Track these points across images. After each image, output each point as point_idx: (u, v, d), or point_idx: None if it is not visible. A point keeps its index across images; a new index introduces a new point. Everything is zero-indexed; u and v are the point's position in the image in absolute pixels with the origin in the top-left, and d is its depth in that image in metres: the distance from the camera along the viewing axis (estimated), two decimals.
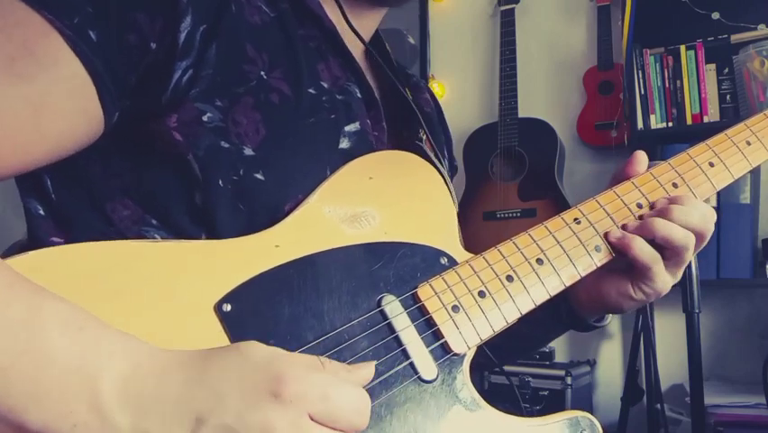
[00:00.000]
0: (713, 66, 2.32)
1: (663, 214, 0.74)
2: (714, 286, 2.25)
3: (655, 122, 2.36)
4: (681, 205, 0.74)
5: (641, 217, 0.76)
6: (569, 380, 2.20)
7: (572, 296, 0.83)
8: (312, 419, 0.48)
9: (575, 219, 0.75)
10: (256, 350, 0.50)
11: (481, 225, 2.50)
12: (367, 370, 0.56)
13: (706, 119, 2.29)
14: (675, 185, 0.79)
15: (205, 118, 0.62)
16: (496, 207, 2.50)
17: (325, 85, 0.71)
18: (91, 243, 0.56)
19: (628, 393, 2.11)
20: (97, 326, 0.49)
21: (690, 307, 1.78)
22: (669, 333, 2.29)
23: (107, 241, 0.57)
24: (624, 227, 0.75)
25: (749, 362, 2.12)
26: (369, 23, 0.82)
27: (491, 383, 2.22)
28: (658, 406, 1.94)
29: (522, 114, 2.55)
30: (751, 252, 2.19)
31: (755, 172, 2.24)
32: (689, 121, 2.31)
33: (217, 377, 0.48)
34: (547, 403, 2.20)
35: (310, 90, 0.69)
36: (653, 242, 0.74)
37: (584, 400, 2.34)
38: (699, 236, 0.75)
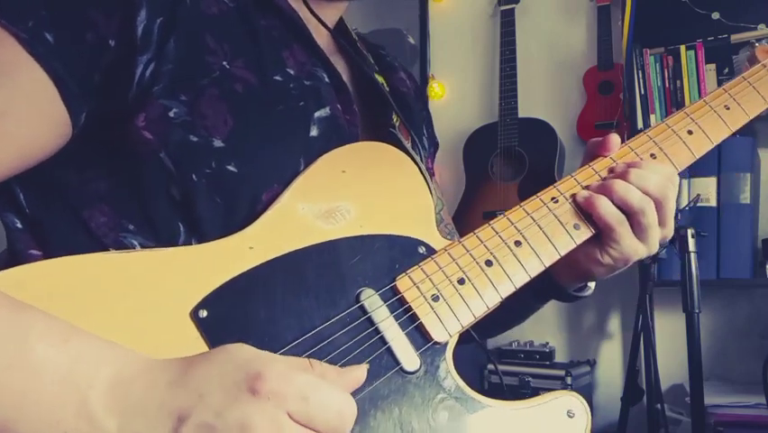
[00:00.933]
0: (713, 66, 2.32)
1: (622, 176, 0.73)
2: (714, 286, 2.25)
3: (655, 122, 2.35)
4: (638, 168, 0.74)
5: None
6: (569, 380, 2.20)
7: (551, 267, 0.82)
8: (291, 418, 0.47)
9: (553, 198, 0.74)
10: (241, 351, 0.50)
11: (482, 226, 2.50)
12: (358, 372, 0.55)
13: None
14: (653, 155, 0.78)
15: (171, 114, 0.62)
16: (496, 207, 2.50)
17: (292, 72, 0.70)
18: (68, 257, 0.56)
19: (628, 393, 2.11)
20: (82, 336, 0.49)
21: (690, 307, 1.79)
22: (669, 333, 2.28)
23: (84, 255, 0.57)
24: (587, 189, 0.75)
25: (749, 362, 2.11)
26: (332, 11, 0.81)
27: (491, 383, 2.23)
28: (658, 406, 1.94)
29: (522, 114, 2.55)
30: (751, 252, 2.19)
31: (755, 172, 2.24)
32: None
33: (199, 377, 0.48)
34: None
35: (276, 78, 0.69)
36: (614, 203, 0.73)
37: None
38: (657, 201, 0.73)
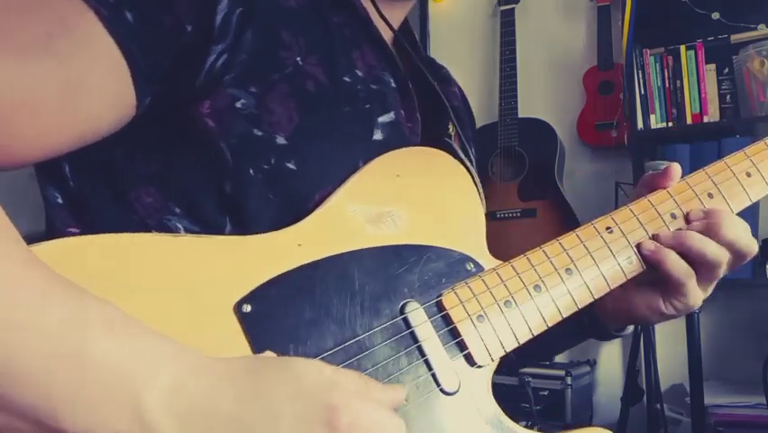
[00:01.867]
0: (713, 66, 2.32)
1: (699, 228, 0.72)
2: (714, 286, 2.24)
3: (655, 122, 2.36)
4: (717, 220, 0.72)
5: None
6: (569, 380, 2.20)
7: (597, 305, 0.79)
8: None
9: (607, 228, 0.72)
10: (309, 371, 0.49)
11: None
12: (400, 393, 0.55)
13: (706, 119, 2.29)
14: (711, 195, 0.76)
15: (238, 105, 0.61)
16: (496, 207, 2.50)
17: (360, 74, 0.70)
18: (109, 234, 0.54)
19: (628, 393, 2.11)
20: (142, 330, 0.47)
21: None
22: (669, 333, 2.28)
23: (126, 233, 0.55)
24: (655, 238, 0.73)
25: (749, 362, 2.11)
26: (398, 12, 0.80)
27: (491, 384, 2.22)
28: (658, 406, 1.94)
29: (522, 114, 2.55)
30: None
31: None
32: (689, 121, 2.31)
33: (270, 396, 0.47)
34: (547, 403, 2.20)
35: (345, 78, 0.68)
36: (686, 256, 0.71)
37: (584, 401, 2.34)
38: (735, 253, 0.72)
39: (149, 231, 0.60)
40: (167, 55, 0.57)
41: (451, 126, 0.81)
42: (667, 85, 2.36)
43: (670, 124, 2.34)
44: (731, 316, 2.32)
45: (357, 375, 0.52)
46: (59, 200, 0.61)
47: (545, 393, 2.21)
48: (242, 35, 0.60)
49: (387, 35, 0.78)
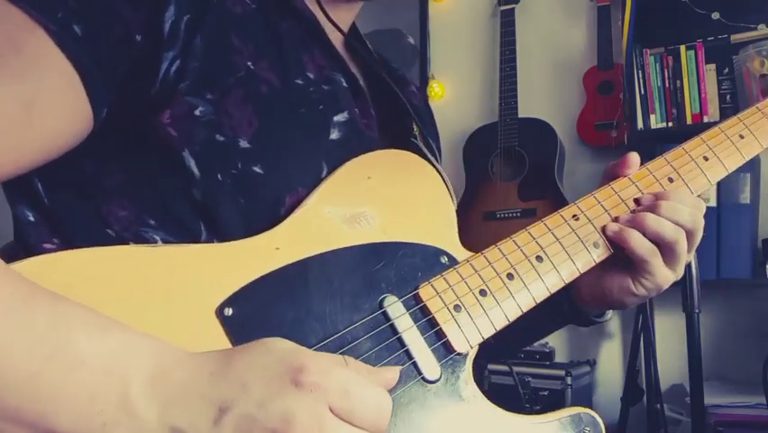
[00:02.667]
0: (713, 66, 2.32)
1: (652, 209, 0.74)
2: (714, 286, 2.25)
3: (655, 122, 2.36)
4: (668, 201, 0.74)
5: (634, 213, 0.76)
6: (569, 380, 2.20)
7: (574, 291, 0.82)
8: (332, 412, 0.47)
9: (573, 216, 0.75)
10: (280, 344, 0.50)
11: (481, 225, 2.50)
12: (391, 374, 0.55)
13: (706, 119, 2.29)
14: (671, 179, 0.79)
15: (197, 112, 0.62)
16: (496, 207, 2.50)
17: (311, 75, 0.71)
18: (89, 249, 0.55)
19: (628, 393, 2.11)
20: (120, 328, 0.49)
21: (690, 307, 1.78)
22: (669, 333, 2.28)
23: (105, 247, 0.56)
24: (616, 220, 0.76)
25: (749, 362, 2.11)
26: (346, 14, 0.81)
27: (492, 383, 2.22)
28: (658, 406, 1.94)
29: (522, 114, 2.55)
30: (751, 252, 2.19)
31: (755, 172, 2.24)
32: (689, 121, 2.31)
33: (241, 368, 0.48)
34: (547, 403, 2.20)
35: (297, 81, 0.69)
36: (645, 236, 0.74)
37: (584, 401, 2.34)
38: (689, 232, 0.75)
39: (126, 244, 0.61)
40: (118, 65, 0.58)
41: (414, 126, 0.83)
42: (667, 85, 2.36)
43: (670, 124, 2.34)
44: (731, 316, 2.32)
45: (338, 355, 0.53)
46: (31, 218, 0.62)
47: (545, 393, 2.21)
48: (192, 41, 0.61)
49: (336, 38, 0.79)
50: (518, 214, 2.47)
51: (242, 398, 0.46)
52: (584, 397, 2.34)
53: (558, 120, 2.59)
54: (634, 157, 0.80)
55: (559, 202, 2.43)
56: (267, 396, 0.46)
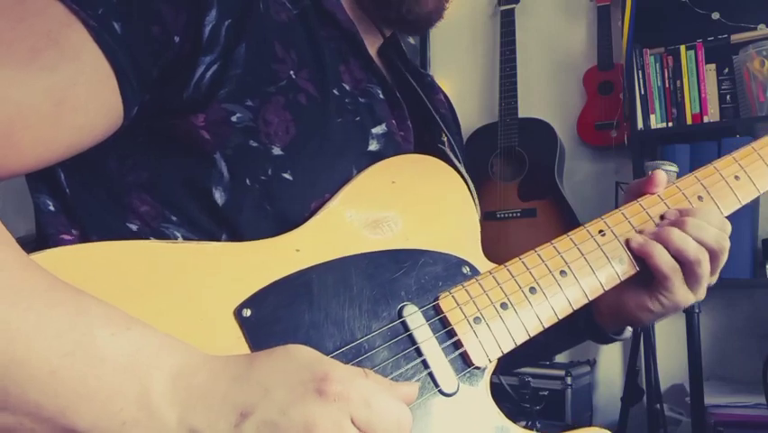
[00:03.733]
0: (713, 66, 2.32)
1: (678, 225, 0.73)
2: (714, 286, 2.23)
3: (655, 122, 2.35)
4: (694, 218, 0.73)
5: None
6: (569, 380, 2.20)
7: (593, 307, 0.81)
8: (353, 423, 0.47)
9: (600, 231, 0.74)
10: (303, 351, 0.50)
11: (481, 225, 2.50)
12: (411, 389, 0.54)
13: (706, 119, 2.29)
14: (701, 198, 0.78)
15: (234, 119, 0.61)
16: (496, 207, 2.50)
17: (347, 87, 0.71)
18: (107, 242, 0.54)
19: (628, 393, 2.11)
20: (142, 326, 0.48)
21: (690, 307, 1.78)
22: (669, 333, 2.28)
23: (124, 241, 0.56)
24: (641, 233, 0.74)
25: (749, 362, 2.11)
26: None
27: (492, 383, 2.22)
28: (658, 406, 1.94)
29: (522, 114, 2.55)
30: (751, 252, 2.19)
31: None
32: (689, 121, 2.31)
33: (264, 374, 0.48)
34: (547, 403, 2.20)
35: (334, 91, 0.68)
36: (669, 252, 0.72)
37: (584, 401, 2.34)
38: (713, 253, 0.73)
39: (146, 238, 0.61)
40: (154, 65, 0.58)
41: (443, 135, 0.82)
42: (667, 85, 2.36)
43: (670, 124, 2.34)
44: (731, 316, 2.32)
45: (359, 367, 0.52)
46: (51, 207, 0.62)
47: (545, 393, 2.21)
48: (236, 48, 0.61)
49: (372, 45, 0.79)
50: (518, 214, 2.47)
51: (264, 403, 0.46)
52: (584, 397, 2.34)
53: (558, 120, 2.59)
54: (660, 175, 0.78)
55: (559, 202, 2.43)
56: (289, 403, 0.46)
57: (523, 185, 2.50)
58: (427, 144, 0.80)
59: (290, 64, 0.65)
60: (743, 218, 2.19)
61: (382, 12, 0.77)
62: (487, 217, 2.51)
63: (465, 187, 0.75)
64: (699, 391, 1.73)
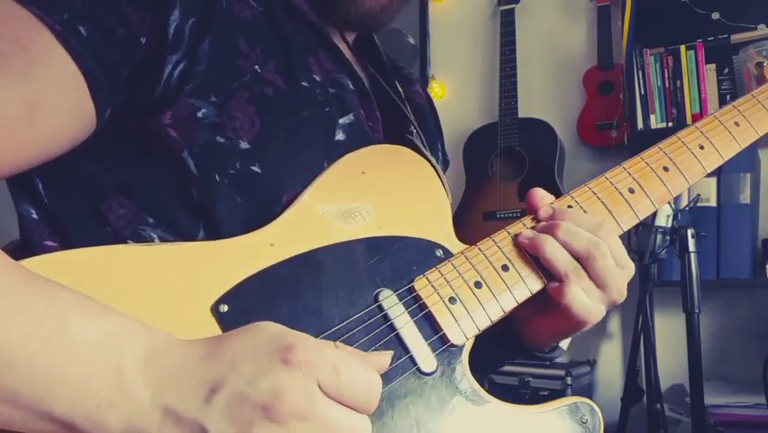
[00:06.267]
0: (713, 66, 2.32)
1: (549, 230, 0.69)
2: (714, 286, 2.25)
3: (655, 122, 2.36)
4: (563, 228, 0.68)
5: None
6: (569, 380, 2.20)
7: (521, 328, 0.76)
8: (321, 389, 0.48)
9: (568, 206, 0.75)
10: (271, 326, 0.51)
11: (481, 226, 2.50)
12: (383, 358, 0.55)
13: None
14: (666, 168, 0.78)
15: (199, 114, 0.62)
16: (496, 208, 2.50)
17: (318, 78, 0.72)
18: (87, 248, 0.56)
19: (628, 393, 2.10)
20: (114, 313, 0.50)
21: (690, 307, 1.79)
22: (669, 333, 2.28)
23: (103, 246, 0.57)
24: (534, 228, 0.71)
25: (749, 362, 2.11)
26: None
27: (492, 383, 2.22)
28: (658, 406, 1.94)
29: (522, 114, 2.55)
30: (751, 252, 2.19)
31: (755, 172, 2.24)
32: (689, 121, 2.31)
33: (232, 349, 0.49)
34: None
35: (304, 83, 0.70)
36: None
37: None
38: (583, 262, 0.67)
39: (124, 242, 0.62)
40: (123, 67, 0.59)
41: (411, 125, 0.83)
42: (667, 85, 2.36)
43: (670, 124, 2.34)
44: (731, 316, 2.32)
45: (328, 340, 0.53)
46: (34, 215, 0.63)
47: (545, 393, 2.21)
48: (200, 45, 0.62)
49: (342, 41, 0.79)
50: (518, 214, 2.47)
51: (233, 376, 0.47)
52: (584, 397, 2.34)
53: (558, 120, 2.59)
54: (539, 193, 0.75)
55: None
56: (257, 374, 0.47)
57: (523, 185, 2.50)
58: (396, 134, 0.81)
59: (255, 59, 0.66)
60: (743, 218, 2.19)
61: (328, 13, 0.77)
62: (487, 217, 2.51)
63: (434, 173, 0.76)
64: (699, 391, 1.73)
